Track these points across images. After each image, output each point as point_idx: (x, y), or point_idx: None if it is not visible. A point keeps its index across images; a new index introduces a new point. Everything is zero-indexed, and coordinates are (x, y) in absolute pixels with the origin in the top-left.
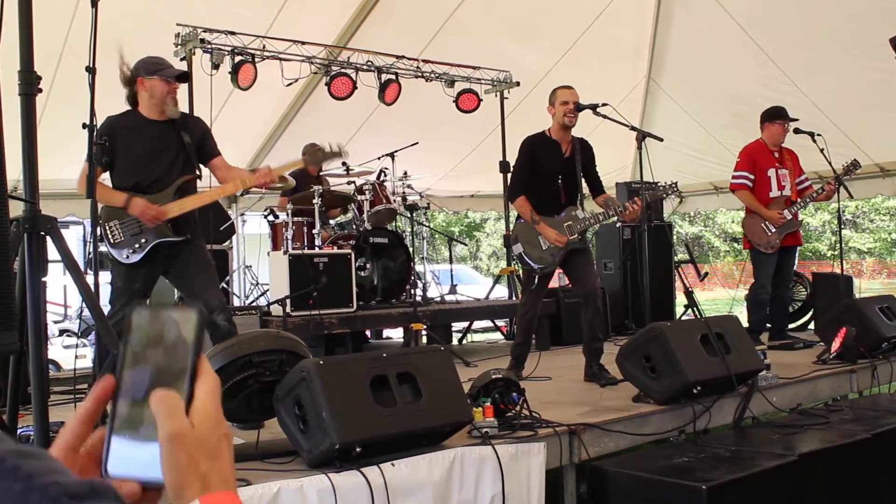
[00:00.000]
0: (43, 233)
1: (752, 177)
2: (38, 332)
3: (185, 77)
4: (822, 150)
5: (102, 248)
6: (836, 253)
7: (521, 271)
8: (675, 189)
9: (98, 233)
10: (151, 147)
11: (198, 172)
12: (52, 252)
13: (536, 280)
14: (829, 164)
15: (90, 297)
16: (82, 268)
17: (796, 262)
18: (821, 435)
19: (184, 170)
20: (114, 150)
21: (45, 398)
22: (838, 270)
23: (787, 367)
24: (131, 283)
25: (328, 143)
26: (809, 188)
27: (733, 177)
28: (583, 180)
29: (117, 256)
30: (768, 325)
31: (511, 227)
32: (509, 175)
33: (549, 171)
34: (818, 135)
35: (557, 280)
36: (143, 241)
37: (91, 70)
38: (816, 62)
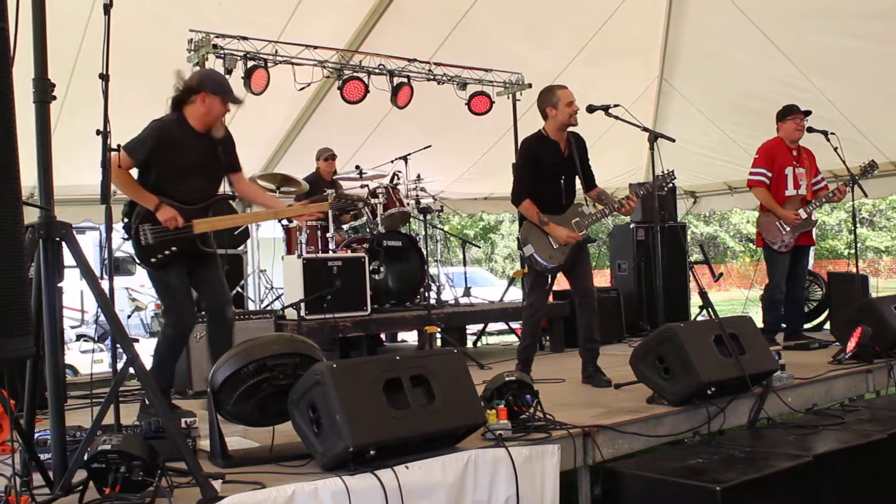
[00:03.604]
0: (58, 238)
1: (769, 174)
2: (53, 337)
3: (238, 105)
4: (835, 149)
5: (119, 253)
6: (853, 251)
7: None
8: (673, 176)
9: (131, 229)
10: (195, 161)
11: (231, 191)
12: (69, 258)
13: (543, 281)
14: (843, 162)
15: (105, 302)
16: (98, 273)
17: (811, 261)
18: (836, 435)
19: (217, 181)
20: (156, 154)
21: (61, 402)
22: (854, 269)
23: (803, 367)
24: (176, 279)
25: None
26: (825, 188)
27: (751, 173)
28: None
29: (139, 259)
30: (783, 326)
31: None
32: None
33: (550, 171)
34: (832, 133)
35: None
36: (172, 249)
37: (104, 77)
38: (831, 59)
